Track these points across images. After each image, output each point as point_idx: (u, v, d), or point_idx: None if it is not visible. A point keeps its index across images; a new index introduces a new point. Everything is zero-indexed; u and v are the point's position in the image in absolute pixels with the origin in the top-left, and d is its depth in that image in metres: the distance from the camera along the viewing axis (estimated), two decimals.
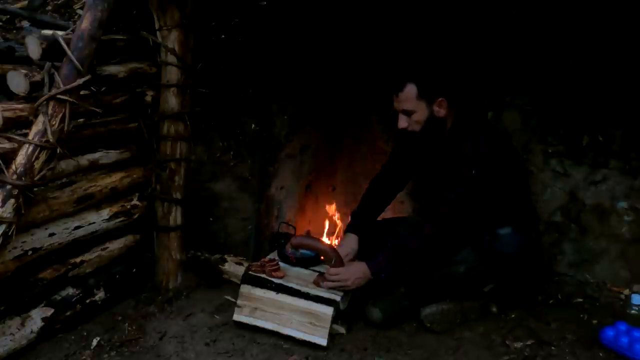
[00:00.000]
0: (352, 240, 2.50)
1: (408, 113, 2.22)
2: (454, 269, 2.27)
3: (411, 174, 2.62)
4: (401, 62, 2.67)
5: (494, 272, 2.28)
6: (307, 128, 3.11)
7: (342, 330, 2.30)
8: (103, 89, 2.34)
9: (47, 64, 1.94)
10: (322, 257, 2.45)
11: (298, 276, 2.43)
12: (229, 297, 2.53)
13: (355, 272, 2.26)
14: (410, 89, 2.20)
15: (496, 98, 2.78)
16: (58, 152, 1.96)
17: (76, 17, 3.41)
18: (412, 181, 2.75)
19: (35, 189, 1.96)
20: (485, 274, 2.30)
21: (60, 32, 2.02)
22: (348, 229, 2.56)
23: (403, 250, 2.26)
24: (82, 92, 2.04)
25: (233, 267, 2.65)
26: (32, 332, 2.07)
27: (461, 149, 2.23)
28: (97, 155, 2.33)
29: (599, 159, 2.62)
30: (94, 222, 2.33)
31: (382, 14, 2.85)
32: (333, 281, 2.28)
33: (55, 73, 1.92)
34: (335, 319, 2.25)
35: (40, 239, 2.08)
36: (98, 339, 2.22)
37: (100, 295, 2.37)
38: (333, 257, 2.34)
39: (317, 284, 2.34)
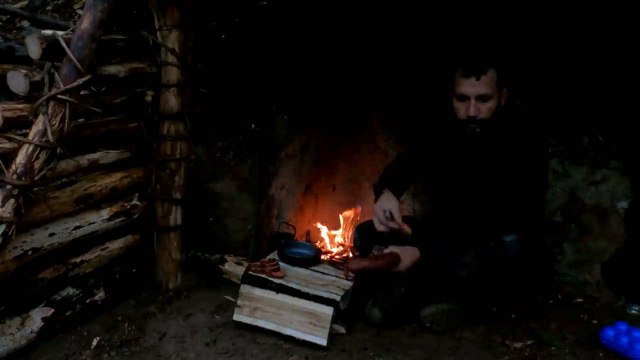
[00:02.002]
0: (392, 196, 2.29)
1: (485, 98, 2.14)
2: (456, 272, 2.25)
3: (432, 170, 2.51)
4: (481, 46, 2.61)
5: (496, 278, 2.26)
6: (307, 128, 3.11)
7: (342, 330, 2.30)
8: (103, 89, 2.34)
9: (47, 64, 1.94)
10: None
11: (298, 276, 2.43)
12: (229, 297, 2.53)
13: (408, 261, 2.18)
14: (492, 73, 2.14)
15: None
16: (58, 152, 1.96)
17: (76, 17, 3.42)
18: (415, 182, 2.74)
19: (35, 189, 1.96)
20: (486, 280, 2.28)
21: (60, 32, 2.02)
22: (380, 187, 2.36)
23: (454, 239, 2.23)
24: (82, 92, 2.04)
25: (233, 267, 2.65)
26: (32, 332, 2.07)
27: (509, 141, 2.18)
28: (97, 155, 2.34)
29: (599, 159, 2.62)
30: (94, 222, 2.33)
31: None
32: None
33: (55, 73, 1.92)
34: (335, 319, 2.25)
35: (40, 239, 2.08)
36: (98, 339, 2.22)
37: (100, 295, 2.37)
38: (396, 261, 2.21)
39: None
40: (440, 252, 2.21)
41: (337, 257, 2.87)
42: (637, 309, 2.24)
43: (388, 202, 2.24)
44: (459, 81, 2.17)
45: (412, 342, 2.23)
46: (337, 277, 2.48)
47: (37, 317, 2.10)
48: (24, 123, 1.92)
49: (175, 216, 2.61)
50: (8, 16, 3.55)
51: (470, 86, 2.13)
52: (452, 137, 2.37)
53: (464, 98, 2.16)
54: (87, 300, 2.31)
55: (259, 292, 2.32)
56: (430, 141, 2.49)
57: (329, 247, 3.11)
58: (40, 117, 1.89)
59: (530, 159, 2.17)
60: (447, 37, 2.75)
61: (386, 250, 2.26)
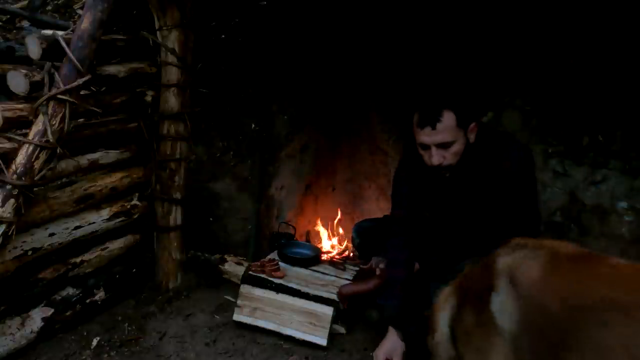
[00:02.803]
0: (398, 339, 1.99)
1: (446, 145, 1.86)
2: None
3: (427, 212, 2.23)
4: (432, 88, 2.36)
5: None
6: (307, 128, 3.11)
7: (342, 330, 2.30)
8: (103, 89, 2.34)
9: (47, 64, 1.94)
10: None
11: (298, 276, 2.43)
12: (229, 297, 2.53)
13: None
14: (449, 118, 1.83)
15: (496, 98, 2.77)
16: (58, 152, 1.96)
17: (76, 17, 3.42)
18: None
19: (35, 189, 1.96)
20: None
21: (60, 32, 2.02)
22: (390, 322, 2.04)
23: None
24: (82, 92, 2.05)
25: (233, 267, 2.65)
26: (32, 332, 2.07)
27: (496, 164, 1.98)
28: (97, 155, 2.34)
29: (599, 159, 2.61)
30: (94, 222, 2.33)
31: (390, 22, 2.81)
32: None
33: (55, 73, 1.92)
34: (335, 319, 2.25)
35: (40, 239, 2.08)
36: (98, 339, 2.22)
37: (100, 295, 2.37)
38: (379, 281, 2.24)
39: None
40: (439, 262, 2.19)
41: (337, 257, 2.87)
42: None
43: (392, 347, 1.96)
44: (416, 130, 1.90)
45: None
46: (337, 277, 2.48)
47: (37, 317, 2.10)
48: (24, 123, 1.92)
49: (175, 216, 2.61)
50: (8, 16, 3.55)
51: (427, 136, 1.86)
52: (433, 176, 2.07)
53: (425, 147, 1.91)
54: (87, 300, 2.31)
55: (259, 292, 2.32)
56: (413, 189, 2.17)
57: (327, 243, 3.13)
58: (40, 117, 1.89)
59: (524, 174, 2.03)
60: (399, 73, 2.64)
61: (381, 265, 2.24)
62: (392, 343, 1.96)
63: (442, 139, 1.85)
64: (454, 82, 2.42)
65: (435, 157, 1.88)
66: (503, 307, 1.31)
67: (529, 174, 2.03)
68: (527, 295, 1.27)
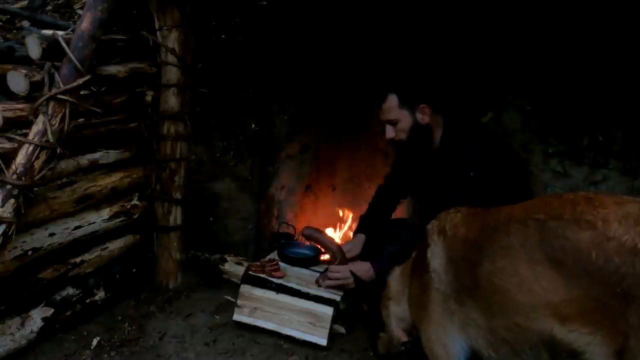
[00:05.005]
0: (359, 239, 2.53)
1: (393, 123, 2.25)
2: None
3: (411, 184, 2.63)
4: (382, 73, 2.68)
5: None
6: (307, 128, 3.11)
7: (342, 330, 2.30)
8: (103, 89, 2.34)
9: (47, 64, 1.94)
10: (327, 255, 2.44)
11: (298, 276, 2.43)
12: (229, 297, 2.53)
13: (358, 271, 2.25)
14: (391, 99, 2.23)
15: (496, 98, 2.77)
16: (58, 152, 1.96)
17: (76, 17, 3.41)
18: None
19: (35, 189, 1.96)
20: None
21: (60, 32, 2.02)
22: (357, 230, 2.61)
23: (406, 251, 2.25)
24: (82, 92, 2.05)
25: (233, 267, 2.65)
26: (32, 332, 2.07)
27: (454, 154, 2.23)
28: (97, 155, 2.34)
29: (599, 159, 2.61)
30: (94, 222, 2.33)
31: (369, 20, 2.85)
32: (335, 279, 2.28)
33: (55, 73, 1.92)
34: (335, 319, 2.25)
35: (40, 239, 2.08)
36: (98, 338, 2.22)
37: (100, 295, 2.37)
38: (338, 256, 2.33)
39: (317, 283, 2.34)
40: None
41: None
42: None
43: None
44: None
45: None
46: None
47: (37, 317, 2.10)
48: (24, 123, 1.92)
49: (175, 216, 2.61)
50: (8, 16, 3.54)
51: (380, 114, 2.28)
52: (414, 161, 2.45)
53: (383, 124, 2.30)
54: (87, 300, 2.31)
55: (259, 292, 2.32)
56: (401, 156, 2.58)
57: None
58: (40, 117, 1.89)
59: (469, 164, 2.17)
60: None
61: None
62: (354, 241, 2.49)
63: (386, 117, 2.25)
64: (397, 67, 2.72)
65: (387, 132, 2.28)
66: (434, 253, 1.68)
67: (477, 170, 2.14)
68: (452, 235, 1.65)
